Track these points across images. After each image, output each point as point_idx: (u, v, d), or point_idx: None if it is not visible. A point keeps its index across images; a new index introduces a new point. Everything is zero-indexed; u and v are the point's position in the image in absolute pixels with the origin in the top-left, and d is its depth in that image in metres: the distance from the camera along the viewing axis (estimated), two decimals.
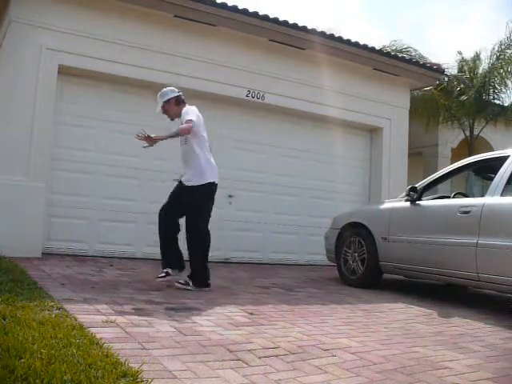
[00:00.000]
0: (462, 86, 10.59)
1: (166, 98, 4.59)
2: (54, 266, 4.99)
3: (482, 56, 10.67)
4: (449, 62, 13.14)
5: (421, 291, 5.67)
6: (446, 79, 10.46)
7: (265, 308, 3.79)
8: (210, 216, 4.54)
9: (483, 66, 10.54)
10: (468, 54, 11.01)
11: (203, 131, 4.54)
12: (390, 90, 8.52)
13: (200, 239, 4.42)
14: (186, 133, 4.37)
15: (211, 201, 4.53)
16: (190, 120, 4.35)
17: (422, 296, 5.12)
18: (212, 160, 4.55)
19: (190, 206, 4.45)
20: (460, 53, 11.02)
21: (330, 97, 7.76)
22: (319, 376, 2.29)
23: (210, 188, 4.48)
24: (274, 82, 7.43)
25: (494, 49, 10.35)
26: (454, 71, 10.82)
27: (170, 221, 4.54)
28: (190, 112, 4.46)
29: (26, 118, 5.88)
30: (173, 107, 4.59)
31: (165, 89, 4.69)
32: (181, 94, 4.69)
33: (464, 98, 10.36)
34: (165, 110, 4.63)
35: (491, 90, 10.39)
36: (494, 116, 10.65)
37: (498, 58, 10.22)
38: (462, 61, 10.88)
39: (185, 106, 4.60)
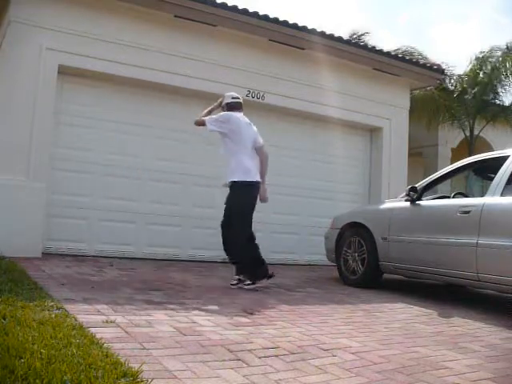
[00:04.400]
0: (464, 85, 10.59)
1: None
2: (54, 266, 4.99)
3: (484, 56, 10.67)
4: (450, 61, 13.12)
5: (421, 291, 5.67)
6: (448, 79, 10.47)
7: (265, 308, 3.79)
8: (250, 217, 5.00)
9: (488, 65, 10.54)
10: (470, 54, 11.01)
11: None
12: (390, 90, 8.52)
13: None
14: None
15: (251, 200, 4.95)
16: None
17: (422, 296, 5.12)
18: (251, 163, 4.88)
19: None
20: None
21: (330, 97, 7.75)
22: (319, 376, 2.29)
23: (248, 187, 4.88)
24: (274, 82, 7.43)
25: (499, 50, 10.38)
26: (456, 71, 10.84)
27: None
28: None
29: (26, 118, 5.88)
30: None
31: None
32: (232, 101, 4.96)
33: (467, 97, 10.36)
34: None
35: (492, 90, 10.39)
36: (494, 116, 10.64)
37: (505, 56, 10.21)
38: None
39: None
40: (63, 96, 6.28)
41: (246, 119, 4.94)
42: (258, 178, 4.85)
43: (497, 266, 4.21)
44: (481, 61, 10.62)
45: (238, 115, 4.87)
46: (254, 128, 4.97)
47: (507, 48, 10.31)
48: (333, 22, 34.11)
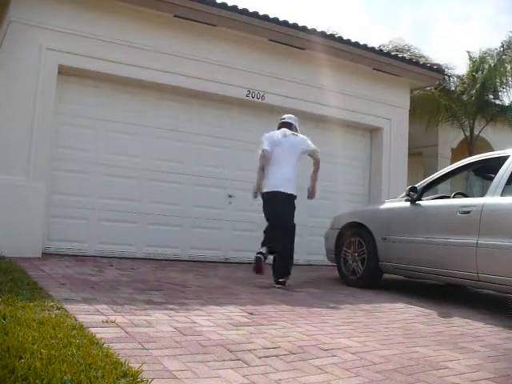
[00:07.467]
0: (464, 85, 10.59)
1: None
2: (54, 266, 4.99)
3: (484, 55, 10.66)
4: (451, 61, 13.10)
5: (421, 291, 5.67)
6: (448, 79, 10.46)
7: (265, 308, 3.79)
8: (270, 220, 5.22)
9: (487, 65, 10.52)
10: (470, 53, 10.96)
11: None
12: (390, 90, 8.52)
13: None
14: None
15: (269, 206, 5.22)
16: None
17: (422, 296, 5.12)
18: (275, 173, 5.23)
19: None
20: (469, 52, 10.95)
21: (330, 97, 7.75)
22: (319, 376, 2.29)
23: (264, 196, 5.27)
24: (274, 82, 7.43)
25: (496, 49, 10.37)
26: (456, 71, 10.84)
27: None
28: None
29: (26, 118, 5.88)
30: None
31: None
32: (280, 120, 5.53)
33: (466, 97, 10.35)
34: None
35: (492, 90, 10.38)
36: (494, 116, 10.64)
37: (502, 57, 10.19)
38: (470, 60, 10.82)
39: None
40: (63, 96, 6.28)
41: (282, 132, 5.35)
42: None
43: (497, 266, 4.21)
44: (478, 61, 10.62)
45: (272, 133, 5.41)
46: (293, 138, 5.29)
47: (503, 47, 10.26)
48: (333, 22, 34.10)
